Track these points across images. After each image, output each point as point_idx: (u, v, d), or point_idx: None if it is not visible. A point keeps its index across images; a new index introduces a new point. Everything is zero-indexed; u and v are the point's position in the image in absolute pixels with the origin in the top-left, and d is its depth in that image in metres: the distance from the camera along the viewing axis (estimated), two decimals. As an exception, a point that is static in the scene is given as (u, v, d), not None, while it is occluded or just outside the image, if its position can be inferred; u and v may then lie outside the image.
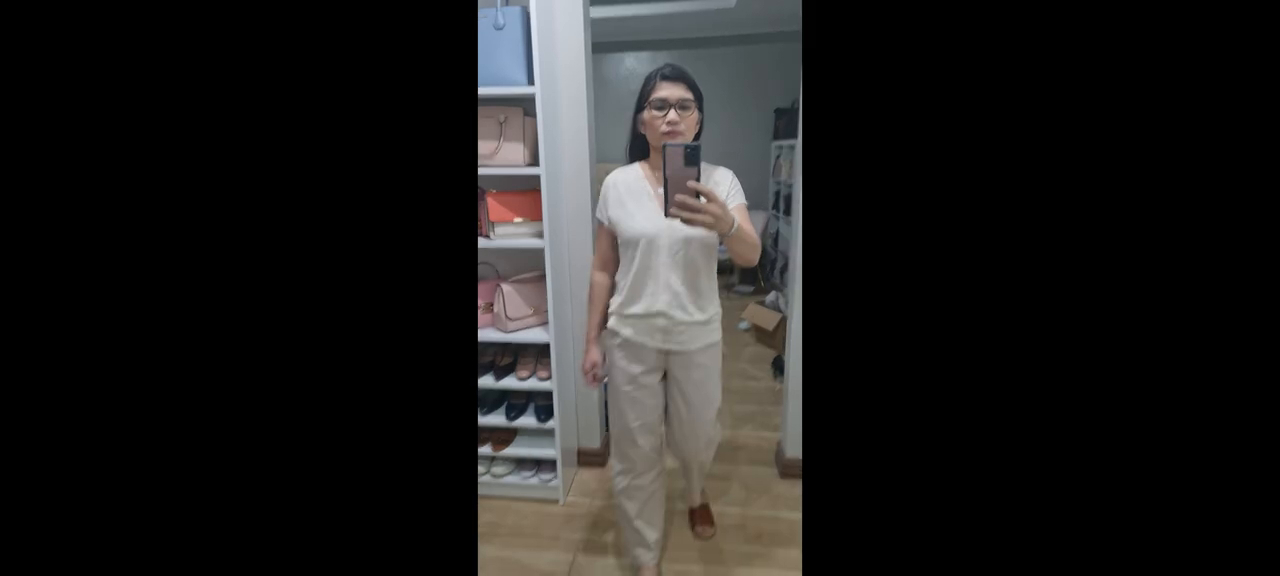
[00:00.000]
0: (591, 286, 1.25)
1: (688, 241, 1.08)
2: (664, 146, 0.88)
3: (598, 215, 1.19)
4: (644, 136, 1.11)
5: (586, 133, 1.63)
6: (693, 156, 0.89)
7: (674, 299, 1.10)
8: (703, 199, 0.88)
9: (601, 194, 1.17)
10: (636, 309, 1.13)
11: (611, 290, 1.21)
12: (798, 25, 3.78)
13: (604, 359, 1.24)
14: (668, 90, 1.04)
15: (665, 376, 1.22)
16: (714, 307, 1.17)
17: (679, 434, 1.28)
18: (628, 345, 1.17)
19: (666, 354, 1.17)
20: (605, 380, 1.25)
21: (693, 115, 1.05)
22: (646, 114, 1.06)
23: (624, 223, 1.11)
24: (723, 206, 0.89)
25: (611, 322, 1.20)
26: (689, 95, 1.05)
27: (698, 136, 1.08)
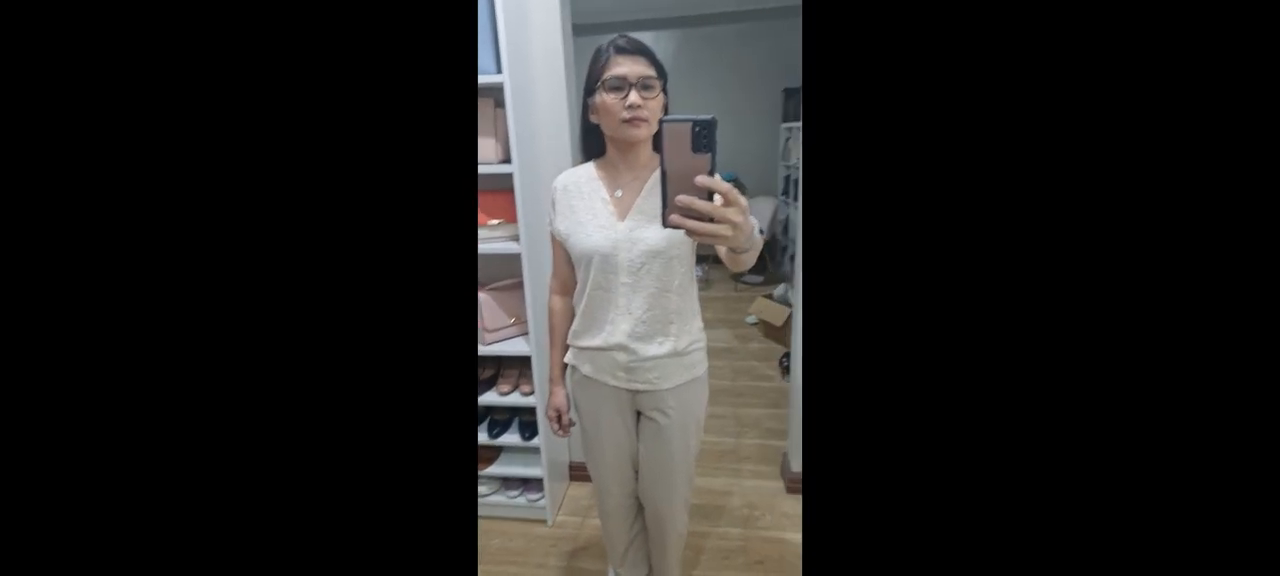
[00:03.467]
0: (549, 314, 1.05)
1: (653, 256, 0.86)
2: (662, 122, 0.59)
3: (550, 226, 0.97)
4: (597, 128, 0.89)
5: (567, 123, 1.49)
6: (705, 137, 0.59)
7: (637, 328, 0.90)
8: (719, 200, 0.58)
9: (550, 199, 0.96)
10: (593, 340, 0.94)
11: (572, 316, 1.00)
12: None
13: (570, 400, 1.06)
14: (625, 66, 0.81)
15: (639, 415, 1.01)
16: (692, 334, 0.95)
17: (648, 484, 1.05)
18: (588, 384, 0.98)
19: (634, 393, 0.96)
20: (576, 424, 1.08)
21: (658, 96, 0.83)
22: (599, 97, 0.83)
23: (574, 235, 0.90)
24: (745, 210, 0.60)
25: (569, 356, 1.02)
26: (651, 72, 0.82)
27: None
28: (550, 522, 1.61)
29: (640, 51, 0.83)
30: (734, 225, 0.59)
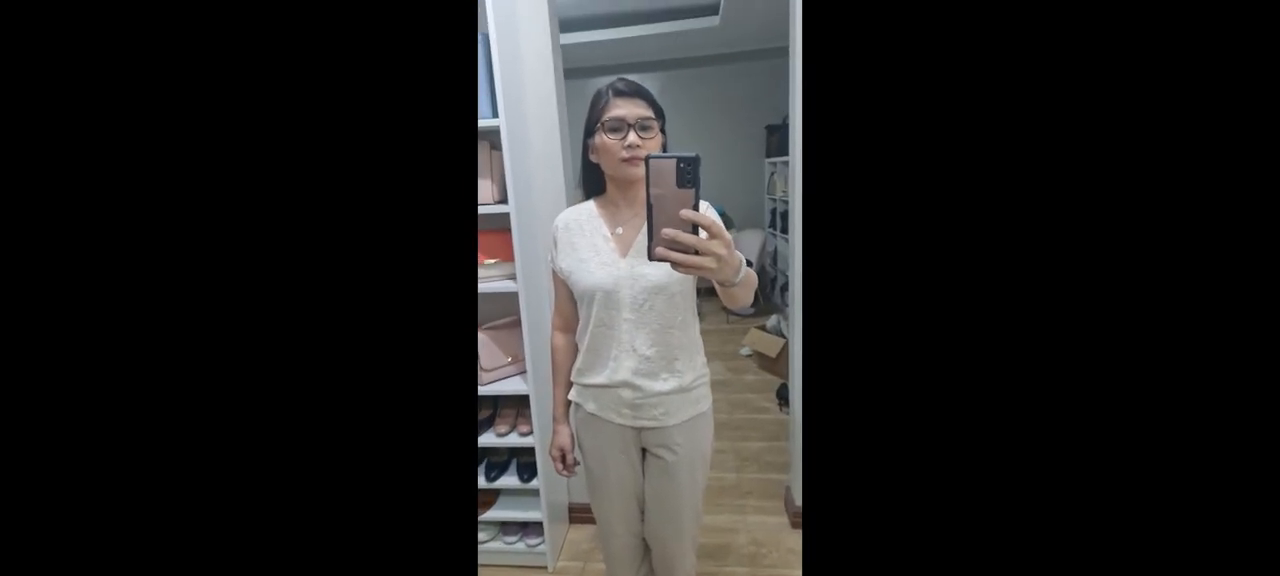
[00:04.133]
0: (552, 352, 1.04)
1: (656, 292, 0.87)
2: (647, 159, 0.62)
3: (552, 264, 0.97)
4: (597, 166, 0.91)
5: (561, 163, 1.52)
6: (689, 173, 0.61)
7: (641, 365, 0.90)
8: (703, 233, 0.61)
9: (551, 237, 0.97)
10: (597, 378, 0.93)
11: (575, 354, 1.00)
12: (785, 41, 3.72)
13: (574, 439, 1.04)
14: (624, 108, 0.84)
15: (645, 453, 1.01)
16: (696, 369, 0.95)
17: (655, 523, 1.02)
18: (592, 422, 0.97)
19: (639, 431, 0.96)
20: (580, 462, 1.05)
21: (656, 136, 0.86)
22: (599, 138, 0.86)
23: (576, 272, 0.91)
24: (728, 245, 0.63)
25: (572, 394, 1.01)
26: (649, 113, 0.85)
27: None
28: (551, 568, 1.56)
29: (638, 94, 0.86)
30: (719, 257, 0.61)
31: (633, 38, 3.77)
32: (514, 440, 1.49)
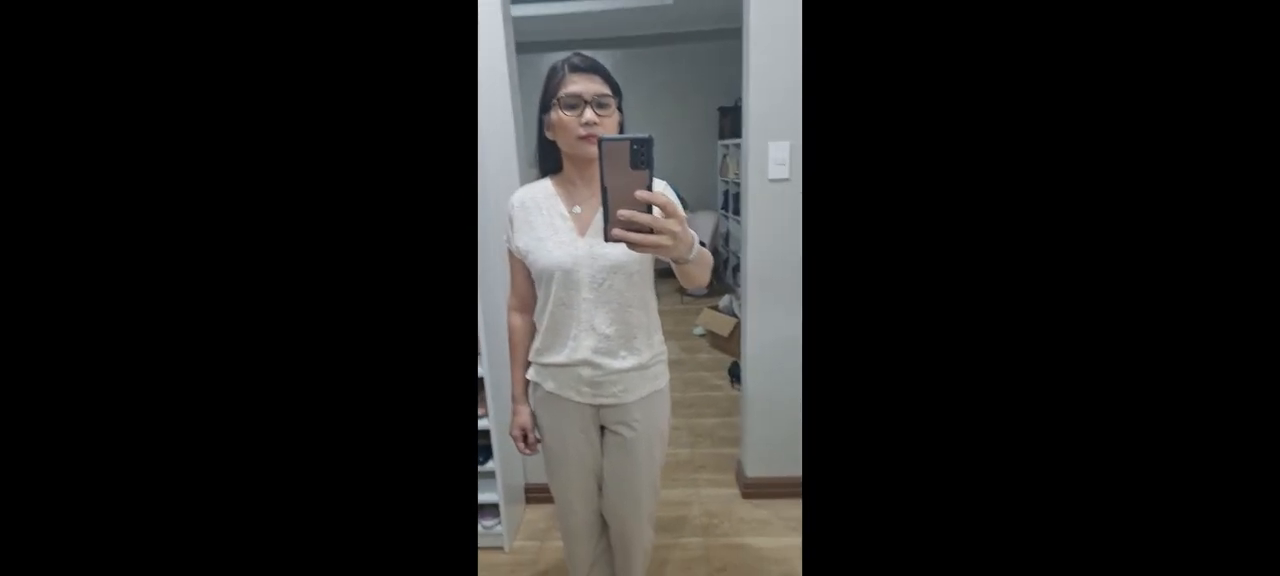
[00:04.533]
0: (509, 332, 1.02)
1: (614, 271, 0.87)
2: (600, 141, 0.63)
3: (507, 243, 0.96)
4: (553, 144, 0.89)
5: (512, 139, 1.48)
6: (642, 154, 0.62)
7: (601, 343, 0.90)
8: (658, 212, 0.63)
9: (507, 216, 0.95)
10: (557, 357, 0.93)
11: (533, 333, 0.99)
12: (737, 22, 3.73)
13: (534, 418, 1.03)
14: (580, 84, 0.82)
15: (603, 430, 1.00)
16: (655, 347, 0.96)
17: (613, 499, 1.03)
18: (551, 400, 0.97)
19: (598, 408, 0.96)
20: (541, 441, 1.05)
21: (613, 114, 0.84)
22: (555, 114, 0.84)
23: (534, 252, 0.90)
24: (682, 222, 0.65)
25: (530, 373, 1.00)
26: (606, 90, 0.83)
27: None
28: (508, 549, 1.56)
29: (595, 70, 0.84)
30: (674, 234, 0.63)
31: (584, 12, 3.69)
32: (468, 423, 1.47)
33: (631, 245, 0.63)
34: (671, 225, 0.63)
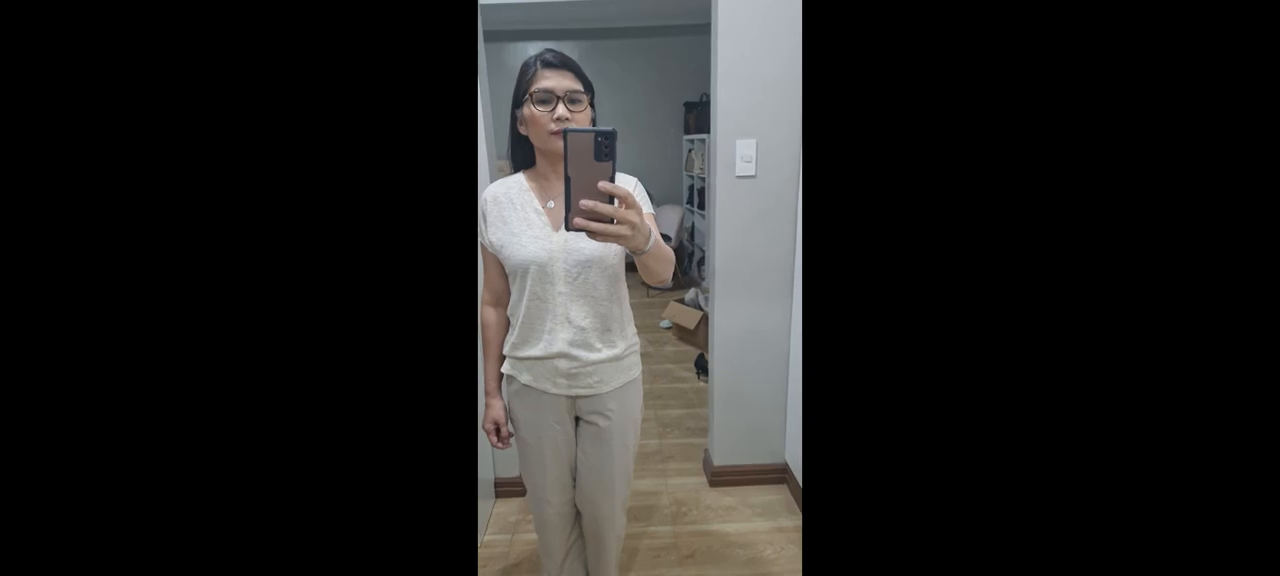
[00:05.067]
0: (482, 326, 1.03)
1: (588, 265, 0.89)
2: (565, 132, 0.65)
3: (480, 238, 0.96)
4: (526, 138, 0.90)
5: (481, 128, 1.46)
6: (606, 146, 0.64)
7: (576, 336, 0.92)
8: (617, 204, 0.66)
9: (480, 211, 0.95)
10: (533, 350, 0.94)
11: (506, 328, 1.00)
12: (705, 18, 3.75)
13: (508, 411, 1.04)
14: (552, 80, 0.84)
15: (578, 421, 1.02)
16: (628, 339, 0.98)
17: (588, 488, 1.05)
18: (527, 393, 0.98)
19: (574, 399, 0.98)
20: (514, 434, 1.05)
21: (585, 110, 0.86)
22: (527, 109, 0.85)
23: (508, 246, 0.90)
24: (640, 214, 0.68)
25: (506, 367, 1.01)
26: (578, 86, 0.85)
27: None
28: (479, 543, 1.55)
29: (567, 66, 0.85)
30: (633, 225, 0.67)
31: (552, 1, 3.65)
32: (436, 418, 1.45)
33: (591, 234, 0.66)
34: (631, 215, 0.66)
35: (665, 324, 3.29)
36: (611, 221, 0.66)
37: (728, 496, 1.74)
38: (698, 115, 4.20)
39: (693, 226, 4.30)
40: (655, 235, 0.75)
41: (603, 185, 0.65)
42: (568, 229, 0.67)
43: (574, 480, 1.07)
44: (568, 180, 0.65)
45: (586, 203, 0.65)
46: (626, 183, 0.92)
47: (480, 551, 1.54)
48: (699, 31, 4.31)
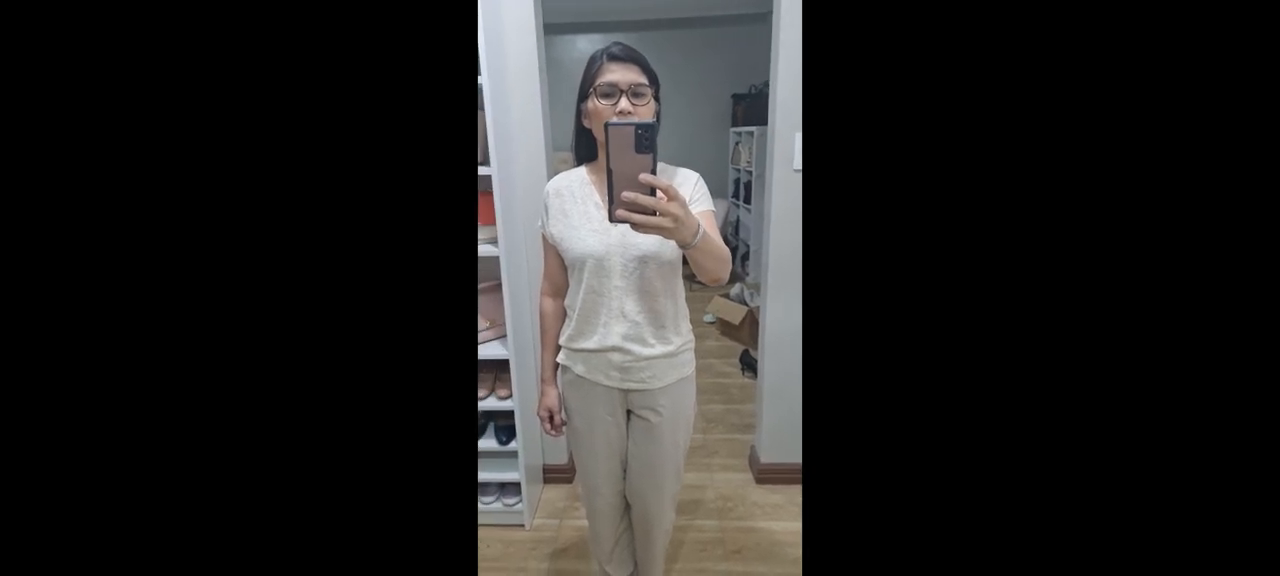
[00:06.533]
0: (541, 316, 1.06)
1: (645, 260, 0.89)
2: (607, 125, 0.65)
3: (541, 229, 0.98)
4: (590, 132, 0.90)
5: (541, 123, 1.48)
6: (646, 138, 0.64)
7: (631, 330, 0.92)
8: (660, 196, 0.65)
9: (543, 203, 0.97)
10: (588, 343, 0.95)
11: (563, 318, 1.02)
12: (757, 7, 3.67)
13: (562, 400, 1.06)
14: (617, 73, 0.83)
15: (630, 414, 1.03)
16: (683, 336, 0.98)
17: (637, 481, 1.06)
18: (581, 384, 0.99)
19: (626, 392, 0.99)
20: (568, 423, 1.07)
21: (649, 104, 0.86)
22: (592, 103, 0.85)
23: (567, 239, 0.92)
24: (684, 206, 0.67)
25: (561, 357, 1.02)
26: (643, 80, 0.85)
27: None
28: (529, 526, 1.60)
29: (633, 59, 0.86)
30: (676, 217, 0.66)
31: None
32: (492, 403, 1.50)
33: (635, 227, 0.66)
34: (673, 208, 0.65)
35: (709, 318, 3.27)
36: (654, 213, 0.65)
37: (775, 493, 1.72)
38: (747, 107, 4.13)
39: (738, 220, 4.25)
40: (707, 231, 0.73)
41: (643, 177, 0.64)
42: (610, 221, 0.67)
43: (625, 472, 1.09)
44: (609, 172, 0.66)
45: (628, 194, 0.64)
46: (688, 178, 0.92)
47: (529, 534, 1.59)
48: (750, 21, 4.22)
